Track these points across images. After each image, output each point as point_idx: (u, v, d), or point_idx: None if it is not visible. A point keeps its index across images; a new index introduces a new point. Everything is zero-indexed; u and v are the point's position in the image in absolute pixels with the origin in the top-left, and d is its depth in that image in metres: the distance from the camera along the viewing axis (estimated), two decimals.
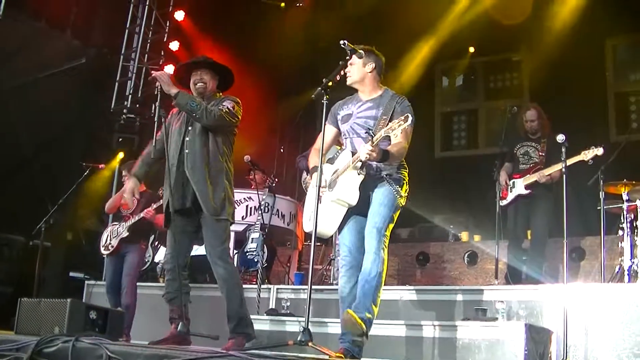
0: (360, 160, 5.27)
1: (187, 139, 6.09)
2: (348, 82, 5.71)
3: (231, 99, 6.27)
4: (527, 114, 8.54)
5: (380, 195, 5.45)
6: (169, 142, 6.19)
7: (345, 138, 5.73)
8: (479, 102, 13.62)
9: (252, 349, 5.98)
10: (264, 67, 12.62)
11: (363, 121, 5.56)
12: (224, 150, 6.18)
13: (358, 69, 5.67)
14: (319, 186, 5.30)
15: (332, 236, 8.32)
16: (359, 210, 5.50)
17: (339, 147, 6.40)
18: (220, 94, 6.44)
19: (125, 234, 8.39)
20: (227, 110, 6.08)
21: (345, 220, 5.55)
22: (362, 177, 5.38)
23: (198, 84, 6.26)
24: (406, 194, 5.55)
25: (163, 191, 6.36)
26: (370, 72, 5.69)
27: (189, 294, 6.18)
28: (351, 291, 5.48)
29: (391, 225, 5.45)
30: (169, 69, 12.69)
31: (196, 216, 6.10)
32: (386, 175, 5.48)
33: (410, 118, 5.07)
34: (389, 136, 5.18)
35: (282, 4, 13.61)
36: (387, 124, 5.33)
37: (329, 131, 5.85)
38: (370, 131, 5.22)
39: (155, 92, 6.03)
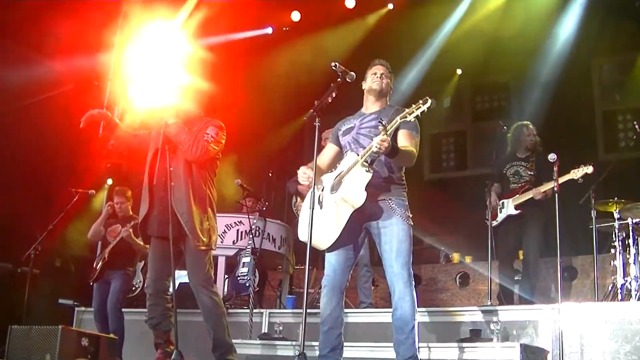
0: (373, 153, 5.13)
1: (170, 168, 6.00)
2: (376, 87, 5.65)
3: (215, 123, 6.22)
4: (528, 129, 8.51)
5: (396, 229, 5.32)
6: (147, 160, 6.20)
7: (346, 151, 5.62)
8: (467, 123, 13.64)
9: None
10: (252, 92, 12.64)
11: (368, 131, 5.50)
12: (206, 177, 6.16)
13: (387, 84, 5.71)
14: (313, 203, 5.23)
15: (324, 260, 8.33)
16: (354, 224, 5.36)
17: None
18: (202, 115, 6.38)
19: (106, 257, 8.41)
20: (212, 139, 6.06)
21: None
22: (369, 175, 5.21)
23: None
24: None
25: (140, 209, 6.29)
26: (391, 87, 5.78)
27: (171, 318, 6.04)
28: (332, 312, 5.38)
29: None
30: None
31: (177, 243, 6.01)
32: (390, 199, 5.38)
33: (429, 101, 5.05)
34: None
35: (269, 30, 13.66)
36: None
37: (330, 149, 5.82)
38: (382, 122, 5.11)
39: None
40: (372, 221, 5.41)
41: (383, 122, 5.09)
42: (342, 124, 5.82)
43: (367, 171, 5.23)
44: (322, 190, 5.54)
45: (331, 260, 5.48)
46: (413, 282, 5.30)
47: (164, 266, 5.96)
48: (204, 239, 5.98)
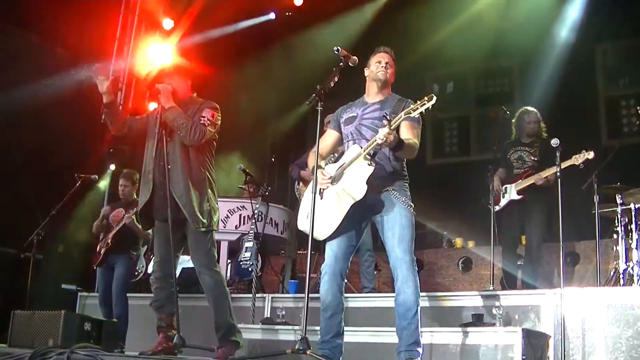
0: (376, 145, 5.15)
1: (167, 152, 5.99)
2: (380, 77, 5.59)
3: (210, 105, 6.21)
4: (530, 116, 8.48)
5: (399, 216, 5.33)
6: (146, 145, 6.20)
7: (348, 141, 5.61)
8: (470, 108, 13.59)
9: (250, 358, 5.98)
10: (255, 77, 12.67)
11: (370, 122, 5.48)
12: (204, 159, 6.16)
13: (392, 73, 5.67)
14: (315, 188, 5.22)
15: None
16: (355, 214, 5.37)
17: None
18: (195, 95, 6.38)
19: (109, 242, 8.40)
20: (208, 122, 6.04)
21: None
22: (372, 169, 5.22)
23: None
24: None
25: (140, 194, 6.29)
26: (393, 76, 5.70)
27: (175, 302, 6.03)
28: (334, 299, 5.39)
29: None
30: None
31: (180, 226, 6.03)
32: (393, 190, 5.39)
33: (434, 98, 5.01)
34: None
35: (272, 15, 13.65)
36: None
37: (331, 135, 5.79)
38: (387, 115, 5.13)
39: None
40: (375, 213, 5.43)
41: (388, 117, 5.10)
42: (343, 111, 5.77)
43: (369, 164, 5.24)
44: None
45: (333, 247, 5.47)
46: (416, 267, 5.32)
47: (170, 250, 5.96)
48: (204, 221, 6.00)
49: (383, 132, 5.01)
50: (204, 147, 6.14)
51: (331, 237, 5.45)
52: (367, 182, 5.22)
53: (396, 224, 5.32)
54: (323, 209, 5.36)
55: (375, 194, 5.35)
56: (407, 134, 5.38)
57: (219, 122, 6.20)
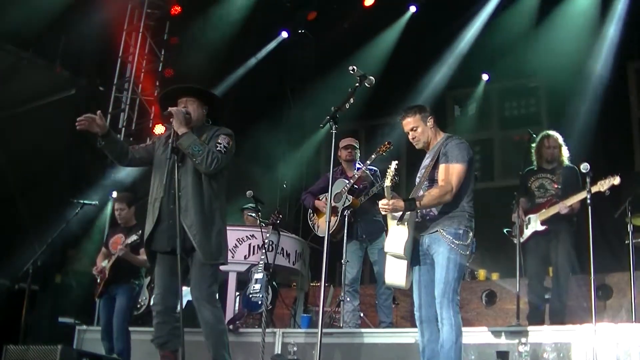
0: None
1: (179, 178, 5.91)
2: (417, 147, 6.05)
3: (225, 132, 6.19)
4: (549, 140, 8.36)
5: (442, 257, 5.69)
6: (154, 172, 6.21)
7: None
8: (494, 131, 13.55)
9: None
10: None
11: (423, 171, 5.92)
12: (217, 188, 6.13)
13: (423, 131, 5.99)
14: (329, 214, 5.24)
15: (342, 276, 8.33)
16: (420, 261, 5.84)
17: None
18: (210, 122, 6.37)
19: (107, 273, 8.38)
20: (224, 149, 6.04)
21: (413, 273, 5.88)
22: (402, 227, 5.65)
23: None
24: (471, 241, 5.80)
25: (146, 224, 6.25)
26: (431, 126, 6.00)
27: (179, 337, 5.83)
28: (428, 344, 5.78)
29: (460, 282, 5.72)
30: None
31: (184, 257, 5.98)
32: (442, 230, 5.71)
33: (394, 163, 5.60)
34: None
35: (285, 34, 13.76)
36: (430, 171, 5.80)
37: None
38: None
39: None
40: (429, 252, 5.80)
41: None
42: None
43: (397, 225, 5.72)
44: None
45: (415, 297, 5.92)
46: (454, 308, 5.59)
47: (173, 282, 5.90)
48: (213, 253, 5.97)
49: (381, 204, 5.66)
50: (216, 176, 6.11)
51: (410, 288, 5.95)
52: (408, 241, 5.70)
53: (439, 265, 5.69)
54: (391, 262, 5.87)
55: (428, 235, 5.81)
56: (440, 177, 5.76)
57: (234, 150, 6.19)
